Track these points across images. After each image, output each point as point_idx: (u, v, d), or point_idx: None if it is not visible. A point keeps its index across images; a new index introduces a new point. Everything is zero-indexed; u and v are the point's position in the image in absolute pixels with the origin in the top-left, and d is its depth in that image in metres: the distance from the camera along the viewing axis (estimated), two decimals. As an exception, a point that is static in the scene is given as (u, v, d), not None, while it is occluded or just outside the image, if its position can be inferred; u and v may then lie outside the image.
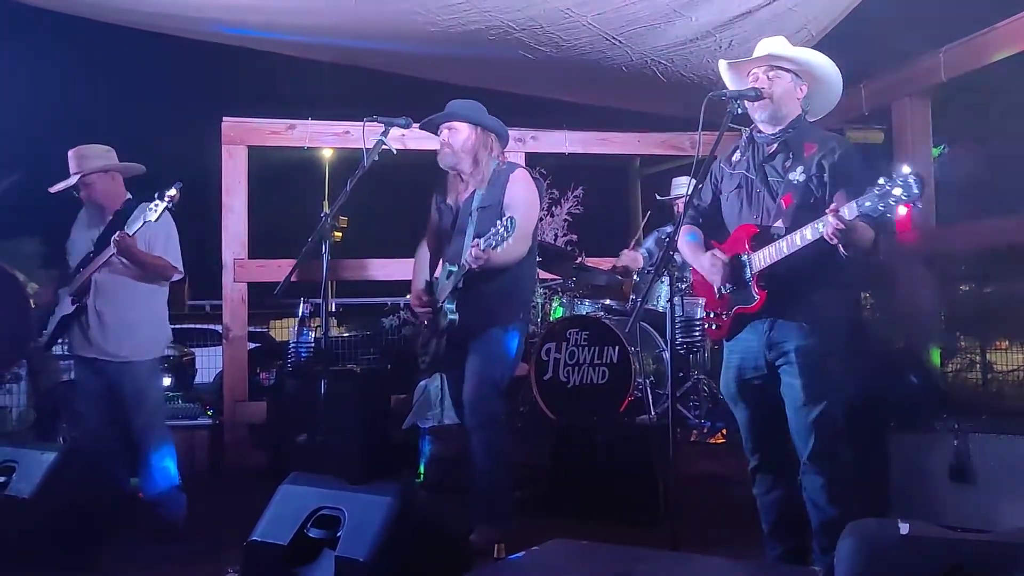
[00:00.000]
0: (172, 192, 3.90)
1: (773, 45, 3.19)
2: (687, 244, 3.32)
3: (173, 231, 4.24)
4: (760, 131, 3.19)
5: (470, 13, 4.89)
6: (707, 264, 3.20)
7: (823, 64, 3.17)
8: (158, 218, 3.92)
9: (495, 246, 3.50)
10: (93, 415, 4.22)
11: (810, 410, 2.99)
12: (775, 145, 3.14)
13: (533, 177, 4.04)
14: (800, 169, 3.05)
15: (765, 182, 3.13)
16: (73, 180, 4.17)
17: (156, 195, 3.89)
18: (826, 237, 2.80)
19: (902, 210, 2.67)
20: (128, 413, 4.16)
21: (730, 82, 3.27)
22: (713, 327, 3.26)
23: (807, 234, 2.87)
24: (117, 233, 3.95)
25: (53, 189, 4.23)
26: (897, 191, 2.61)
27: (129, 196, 4.28)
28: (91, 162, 4.19)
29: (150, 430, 4.17)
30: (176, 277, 4.27)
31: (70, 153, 4.21)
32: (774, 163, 3.13)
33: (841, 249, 2.83)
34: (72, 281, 4.17)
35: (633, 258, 5.73)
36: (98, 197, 4.22)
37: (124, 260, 4.04)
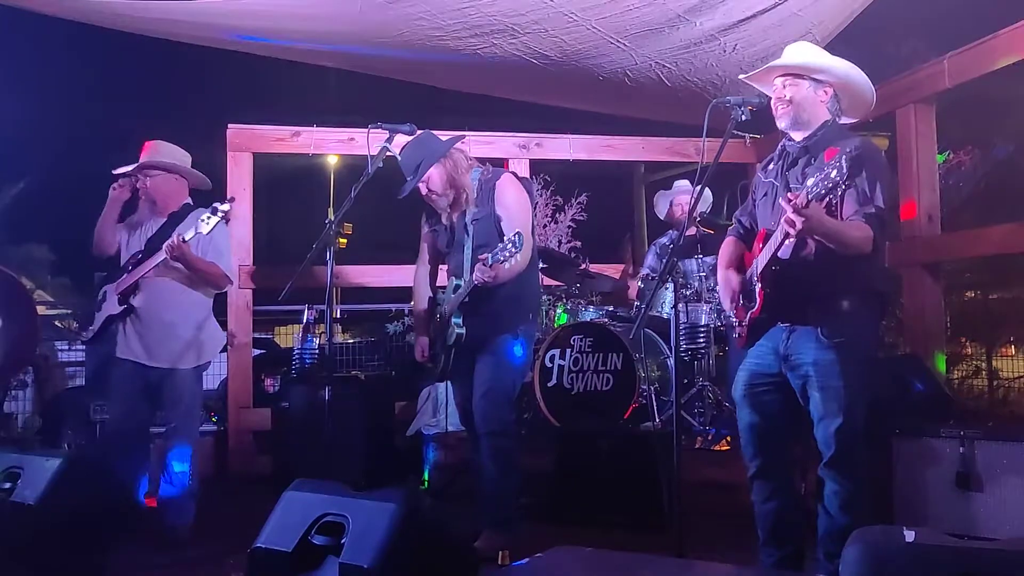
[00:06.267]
0: (225, 207, 3.94)
1: (796, 51, 3.19)
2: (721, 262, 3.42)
3: (226, 241, 4.25)
4: (791, 139, 3.21)
5: (475, 18, 4.90)
6: (721, 284, 3.35)
7: (837, 65, 3.14)
8: (210, 231, 3.94)
9: (503, 261, 3.49)
10: (120, 418, 4.21)
11: (828, 424, 2.99)
12: (798, 151, 3.16)
13: (520, 179, 4.00)
14: None
15: (787, 188, 3.13)
16: (136, 166, 4.17)
17: (210, 209, 3.92)
18: (785, 228, 2.81)
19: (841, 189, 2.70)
20: (160, 418, 4.16)
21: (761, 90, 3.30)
22: (737, 336, 3.29)
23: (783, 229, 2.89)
24: (173, 237, 3.96)
25: (116, 171, 4.22)
26: (833, 173, 2.64)
27: (188, 201, 4.29)
28: (161, 158, 4.21)
29: (177, 436, 4.16)
30: (228, 287, 4.26)
31: (146, 144, 4.22)
32: (795, 170, 3.15)
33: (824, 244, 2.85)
34: (120, 279, 4.16)
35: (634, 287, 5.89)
36: (155, 193, 4.21)
37: (178, 265, 4.03)
